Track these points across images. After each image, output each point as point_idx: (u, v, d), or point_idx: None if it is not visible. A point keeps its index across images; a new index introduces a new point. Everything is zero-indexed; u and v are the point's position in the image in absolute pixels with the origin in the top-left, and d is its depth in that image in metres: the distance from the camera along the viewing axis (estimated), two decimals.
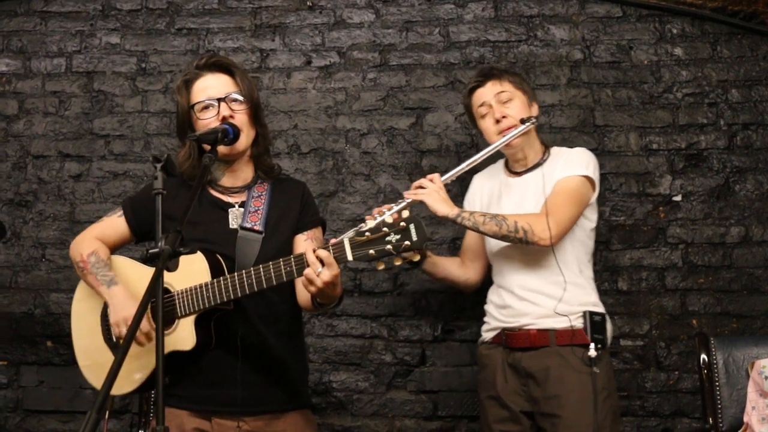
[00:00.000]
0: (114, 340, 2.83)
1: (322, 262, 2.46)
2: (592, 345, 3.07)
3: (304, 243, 2.82)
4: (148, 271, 2.73)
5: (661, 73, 4.12)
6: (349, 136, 4.17)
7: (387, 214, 3.16)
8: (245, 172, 2.91)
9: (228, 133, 2.68)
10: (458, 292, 3.95)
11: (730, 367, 3.48)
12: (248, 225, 2.78)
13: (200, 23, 4.33)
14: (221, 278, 2.59)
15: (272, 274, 2.53)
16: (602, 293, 3.88)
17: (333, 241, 2.50)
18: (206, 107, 2.81)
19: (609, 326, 3.23)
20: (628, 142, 4.05)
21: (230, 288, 2.57)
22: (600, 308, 3.24)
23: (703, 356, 3.51)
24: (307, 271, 2.47)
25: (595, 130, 4.08)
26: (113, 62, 4.33)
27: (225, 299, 2.58)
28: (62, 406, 4.04)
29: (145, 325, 2.67)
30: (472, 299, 3.95)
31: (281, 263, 2.52)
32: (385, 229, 2.40)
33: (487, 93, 3.35)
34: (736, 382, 3.45)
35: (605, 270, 3.96)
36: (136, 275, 2.81)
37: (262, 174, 2.92)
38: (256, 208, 2.82)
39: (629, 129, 4.07)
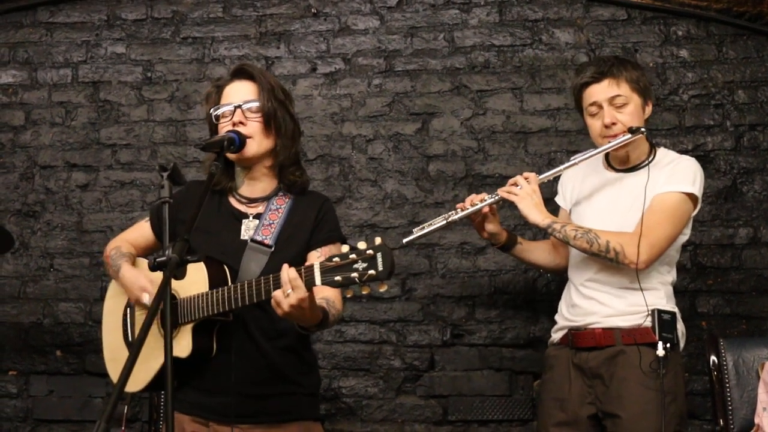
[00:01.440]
0: (130, 338, 2.86)
1: None
2: (660, 344, 2.94)
3: (316, 260, 2.78)
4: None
5: (666, 75, 4.11)
6: (355, 142, 4.17)
7: (479, 205, 3.18)
8: (265, 183, 2.88)
9: (234, 140, 2.68)
10: (467, 296, 3.96)
11: (740, 368, 3.46)
12: (259, 238, 2.75)
13: (205, 32, 4.34)
14: (218, 289, 2.59)
15: (254, 291, 2.50)
16: None
17: (306, 264, 2.46)
18: (225, 114, 2.83)
19: (680, 326, 3.11)
20: None
21: (221, 300, 2.56)
22: (671, 307, 3.11)
23: (713, 358, 3.50)
24: (276, 292, 2.40)
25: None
26: (119, 72, 4.35)
27: (217, 311, 2.57)
28: (72, 415, 4.05)
29: (145, 282, 2.72)
30: (481, 304, 3.96)
31: (261, 281, 2.49)
32: (353, 256, 2.32)
33: (601, 93, 3.14)
34: (746, 383, 3.43)
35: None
36: (156, 275, 2.81)
37: (284, 187, 2.89)
38: (271, 221, 2.80)
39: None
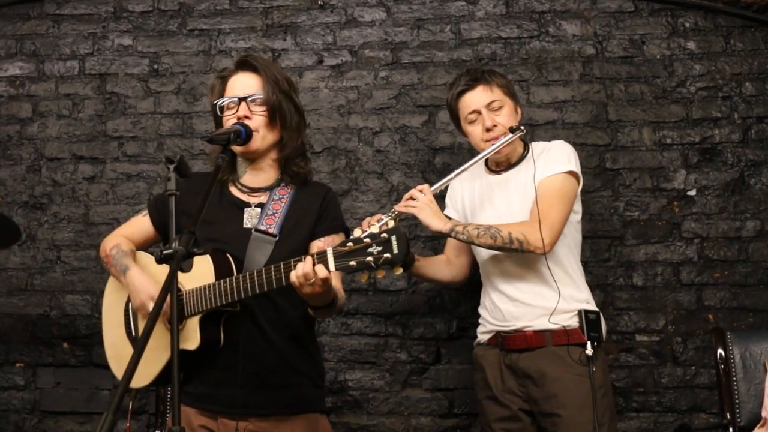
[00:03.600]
0: (133, 333, 2.86)
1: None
2: (589, 344, 3.07)
3: (320, 248, 2.78)
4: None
5: (674, 68, 4.10)
6: (361, 134, 4.17)
7: (376, 226, 3.17)
8: (268, 173, 2.89)
9: (240, 133, 2.68)
10: (473, 290, 3.94)
11: (747, 361, 3.46)
12: (263, 227, 2.76)
13: (212, 24, 4.34)
14: (225, 280, 2.59)
15: (264, 279, 2.51)
16: (617, 289, 3.91)
17: (318, 249, 2.47)
18: (229, 106, 2.83)
19: (603, 323, 3.23)
20: (642, 137, 4.04)
21: (229, 290, 2.56)
22: (593, 305, 3.24)
23: (720, 351, 3.50)
24: (296, 272, 2.42)
25: (609, 126, 4.07)
26: (126, 64, 4.35)
27: (225, 301, 2.58)
28: (79, 407, 4.06)
29: (150, 288, 2.71)
30: None
31: (272, 269, 2.50)
32: (367, 240, 2.34)
33: (477, 100, 3.30)
34: (753, 376, 3.43)
35: (620, 265, 3.95)
36: (159, 270, 2.81)
37: (287, 177, 2.89)
38: (275, 211, 2.80)
39: (642, 124, 4.06)
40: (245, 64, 2.87)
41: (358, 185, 4.12)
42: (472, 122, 3.34)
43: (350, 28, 4.28)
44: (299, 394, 2.78)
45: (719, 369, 3.49)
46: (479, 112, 3.30)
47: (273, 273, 2.49)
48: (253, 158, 2.86)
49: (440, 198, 3.42)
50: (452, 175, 3.30)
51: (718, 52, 4.10)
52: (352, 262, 2.35)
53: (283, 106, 2.82)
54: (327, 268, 2.39)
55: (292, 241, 2.77)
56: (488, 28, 4.21)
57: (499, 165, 3.41)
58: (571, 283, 3.23)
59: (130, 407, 3.72)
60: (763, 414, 3.23)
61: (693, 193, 3.99)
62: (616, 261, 3.94)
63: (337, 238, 2.84)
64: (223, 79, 2.90)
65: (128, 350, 2.85)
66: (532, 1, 4.21)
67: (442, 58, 4.20)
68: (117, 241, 2.93)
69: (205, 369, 2.73)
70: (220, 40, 4.32)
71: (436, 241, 4.01)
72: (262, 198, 2.85)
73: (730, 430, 3.38)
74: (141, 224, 2.98)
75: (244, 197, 2.86)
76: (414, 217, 3.23)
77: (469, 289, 3.95)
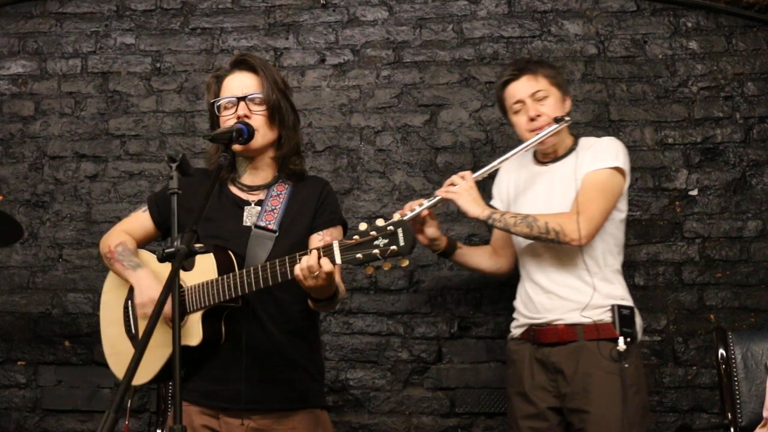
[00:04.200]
0: (133, 331, 2.86)
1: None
2: (621, 339, 3.03)
3: (319, 243, 2.78)
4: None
5: (676, 67, 4.10)
6: (363, 133, 4.17)
7: (418, 209, 3.22)
8: (266, 171, 2.90)
9: (242, 132, 2.69)
10: (474, 289, 3.96)
11: (749, 361, 3.46)
12: (263, 224, 2.77)
13: (214, 23, 4.34)
14: (226, 276, 2.60)
15: (268, 274, 2.52)
16: None
17: (317, 243, 2.48)
18: (226, 105, 2.83)
19: (638, 320, 3.20)
20: (644, 137, 4.04)
21: (232, 286, 2.58)
22: (628, 301, 3.21)
23: (721, 351, 3.50)
24: (300, 266, 2.44)
25: (610, 125, 4.07)
26: (128, 62, 4.35)
27: (227, 297, 2.59)
28: (80, 406, 4.07)
29: (152, 291, 2.71)
30: (488, 296, 3.96)
31: (276, 263, 2.51)
32: (373, 232, 2.36)
33: (522, 89, 3.30)
34: (754, 376, 3.43)
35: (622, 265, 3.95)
36: (160, 268, 2.82)
37: (284, 175, 2.91)
38: (273, 207, 2.81)
39: (644, 123, 4.06)
40: (242, 63, 2.88)
41: (359, 184, 4.12)
42: (516, 112, 3.33)
43: (352, 27, 4.28)
44: (300, 388, 2.79)
45: (720, 369, 3.49)
46: (523, 102, 3.29)
47: (278, 267, 2.51)
48: (252, 157, 2.87)
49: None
50: (495, 163, 3.34)
51: (720, 52, 4.10)
52: (359, 255, 2.37)
53: (281, 105, 2.84)
54: (333, 261, 2.41)
55: (292, 236, 2.79)
56: (490, 28, 4.21)
57: (545, 156, 3.39)
58: (607, 280, 3.20)
59: (128, 405, 3.72)
60: (765, 414, 3.22)
61: (695, 192, 3.99)
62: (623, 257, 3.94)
63: (335, 232, 2.87)
64: (219, 79, 2.91)
65: (127, 348, 2.86)
66: (534, 1, 4.21)
67: (444, 58, 4.20)
68: (121, 239, 2.93)
69: (207, 365, 2.73)
70: (223, 38, 4.33)
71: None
72: (261, 195, 2.87)
73: (732, 430, 3.38)
74: (141, 220, 2.98)
75: (243, 195, 2.88)
76: (453, 203, 3.25)
77: (470, 288, 3.96)
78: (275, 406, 2.73)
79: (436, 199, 3.23)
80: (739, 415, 3.39)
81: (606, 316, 3.13)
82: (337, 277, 2.71)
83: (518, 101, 3.31)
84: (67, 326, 4.13)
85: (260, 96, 2.81)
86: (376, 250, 2.35)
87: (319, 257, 2.42)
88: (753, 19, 4.09)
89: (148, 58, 4.35)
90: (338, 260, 2.40)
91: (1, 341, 4.14)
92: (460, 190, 3.21)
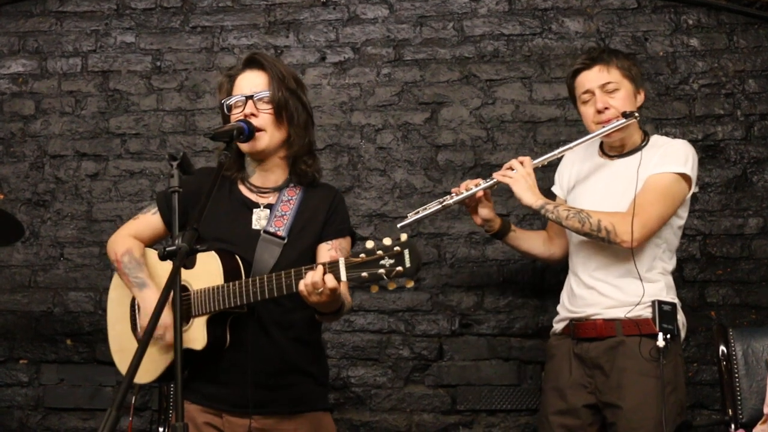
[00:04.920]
0: (139, 329, 2.86)
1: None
2: (660, 335, 2.97)
3: (327, 253, 2.78)
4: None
5: (676, 64, 4.10)
6: (364, 131, 4.17)
7: (474, 189, 3.21)
8: (276, 174, 2.87)
9: (243, 130, 2.67)
10: (476, 286, 3.96)
11: (750, 358, 3.46)
12: (272, 230, 2.75)
13: (214, 21, 4.34)
14: (233, 282, 2.60)
15: (274, 285, 2.52)
16: None
17: (329, 259, 2.47)
18: (236, 104, 2.82)
19: (681, 317, 3.13)
20: None
21: (237, 294, 2.58)
22: (671, 298, 3.13)
23: (722, 348, 3.49)
24: (304, 281, 2.45)
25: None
26: (128, 61, 4.35)
27: (233, 304, 2.59)
28: (82, 404, 4.08)
29: (166, 318, 2.68)
30: (490, 293, 3.96)
31: (282, 276, 2.51)
32: (379, 252, 2.35)
33: (592, 80, 3.21)
34: (755, 373, 3.43)
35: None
36: (164, 266, 2.81)
37: (295, 177, 2.88)
38: (284, 213, 2.79)
39: (645, 121, 4.04)
40: (252, 61, 2.86)
41: (360, 182, 4.12)
42: (585, 102, 3.26)
43: (353, 25, 4.28)
44: (303, 392, 2.79)
45: (721, 366, 3.48)
46: (593, 93, 3.21)
47: (283, 279, 2.51)
48: (261, 158, 2.85)
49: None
50: (556, 151, 3.30)
51: (721, 49, 4.10)
52: (364, 274, 2.36)
53: (289, 104, 2.80)
54: (338, 278, 2.40)
55: (300, 244, 2.77)
56: (491, 25, 4.21)
57: (612, 150, 3.30)
58: (654, 282, 3.12)
59: (132, 403, 3.73)
60: (765, 410, 3.23)
61: (695, 190, 3.97)
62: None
63: (344, 242, 2.85)
64: (231, 78, 2.88)
65: (132, 345, 2.86)
66: None
67: (444, 55, 4.20)
68: (127, 246, 2.88)
69: (210, 368, 2.73)
70: (223, 37, 4.33)
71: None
72: (271, 199, 2.84)
73: (732, 426, 3.38)
74: (149, 222, 2.95)
75: (253, 197, 2.85)
76: (509, 188, 3.21)
77: (471, 286, 3.96)
78: (278, 409, 2.74)
79: (492, 181, 3.21)
80: (740, 412, 3.39)
81: (646, 312, 3.07)
82: (344, 289, 2.70)
83: (587, 91, 3.24)
84: (69, 325, 4.13)
85: (267, 94, 2.79)
86: (381, 270, 2.34)
87: (324, 273, 2.41)
88: (754, 16, 4.08)
89: (148, 57, 4.35)
90: (343, 278, 2.39)
91: (4, 340, 4.15)
92: (517, 175, 3.17)
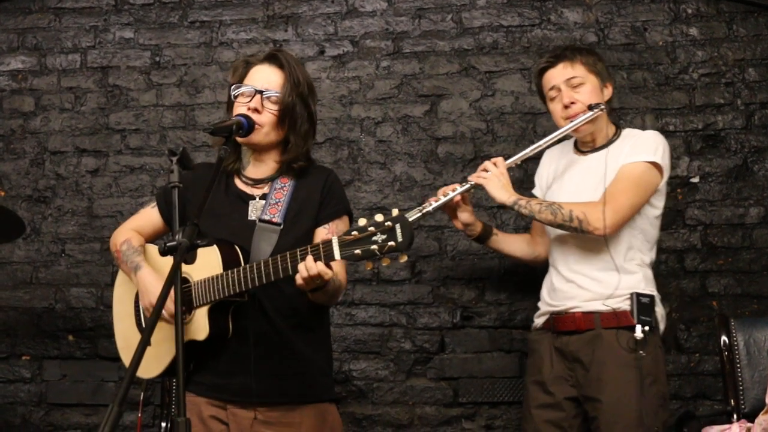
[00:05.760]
0: (143, 325, 2.88)
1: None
2: (638, 327, 2.99)
3: (325, 237, 2.77)
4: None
5: (676, 54, 4.09)
6: (363, 124, 4.17)
7: (451, 194, 3.24)
8: (270, 166, 2.89)
9: (242, 125, 2.68)
10: (477, 279, 3.97)
11: (752, 348, 3.46)
12: (267, 217, 2.76)
13: (213, 16, 4.34)
14: (231, 270, 2.60)
15: (270, 269, 2.53)
16: None
17: (323, 238, 2.48)
18: (243, 93, 2.81)
19: (659, 309, 3.16)
20: (645, 124, 4.02)
21: (236, 281, 2.58)
22: (649, 291, 3.15)
23: (724, 338, 3.49)
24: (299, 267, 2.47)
25: (611, 113, 4.05)
26: (127, 57, 4.35)
27: (233, 291, 2.59)
28: (85, 399, 4.08)
29: (170, 307, 2.68)
30: (491, 286, 3.97)
31: (278, 259, 2.52)
32: (371, 228, 2.35)
33: (557, 76, 3.27)
34: (757, 363, 3.43)
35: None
36: (165, 261, 2.82)
37: (287, 169, 2.88)
38: (277, 200, 2.80)
39: (645, 111, 4.05)
40: (273, 58, 2.86)
41: (360, 175, 4.12)
42: (552, 99, 3.31)
43: (351, 19, 4.27)
44: (308, 383, 2.79)
45: (723, 356, 3.48)
46: (559, 89, 3.27)
47: (279, 263, 2.51)
48: (255, 150, 2.86)
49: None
50: (527, 150, 3.33)
51: (721, 38, 4.09)
52: (357, 251, 2.37)
53: (295, 110, 2.80)
54: (332, 257, 2.41)
55: (297, 229, 2.78)
56: (489, 17, 4.20)
57: (584, 145, 3.36)
58: (631, 273, 3.15)
59: (141, 398, 3.73)
60: (767, 400, 3.24)
61: (696, 180, 3.98)
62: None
63: (340, 224, 2.86)
64: (248, 65, 2.88)
65: (138, 341, 2.87)
66: None
67: (443, 48, 4.19)
68: (127, 236, 2.93)
69: (215, 359, 2.74)
70: (222, 31, 4.32)
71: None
72: (266, 189, 2.85)
73: (735, 416, 3.38)
74: (150, 216, 2.98)
75: (248, 190, 2.86)
76: (483, 188, 3.24)
77: (472, 278, 3.96)
78: (283, 399, 2.73)
79: (468, 185, 3.24)
80: (742, 402, 3.39)
81: (625, 304, 3.10)
82: (339, 268, 2.73)
83: (553, 87, 3.29)
84: (71, 321, 4.14)
85: (277, 95, 2.78)
86: (374, 246, 2.34)
87: (320, 252, 2.43)
88: (753, 4, 4.07)
89: (147, 52, 4.35)
90: (337, 256, 2.40)
91: (6, 336, 4.16)
92: (490, 175, 3.21)
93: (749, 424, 3.02)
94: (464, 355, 3.96)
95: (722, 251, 3.93)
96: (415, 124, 4.14)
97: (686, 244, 3.94)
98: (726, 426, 3.20)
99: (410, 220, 2.39)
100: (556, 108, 3.30)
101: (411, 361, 3.97)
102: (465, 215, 3.38)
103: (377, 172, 4.12)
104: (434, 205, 3.23)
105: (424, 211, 3.20)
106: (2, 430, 4.07)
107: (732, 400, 3.41)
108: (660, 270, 3.91)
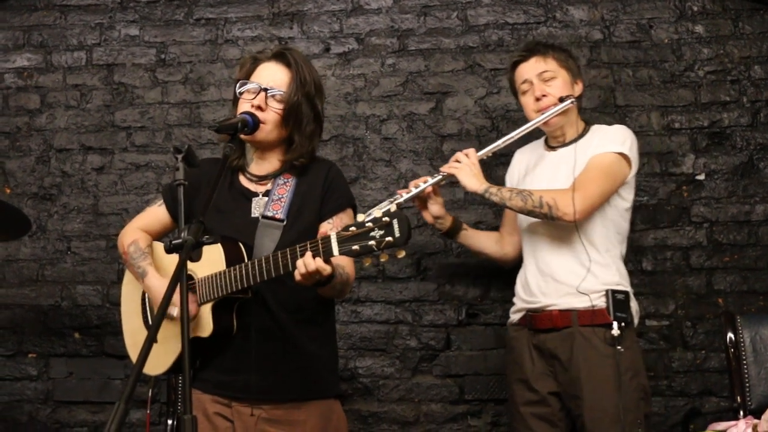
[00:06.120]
0: (150, 323, 2.88)
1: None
2: (615, 324, 3.04)
3: (324, 232, 2.78)
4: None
5: (682, 51, 4.08)
6: (369, 122, 4.17)
7: (422, 186, 3.28)
8: (273, 164, 2.89)
9: (247, 123, 2.68)
10: (482, 276, 3.96)
11: (758, 345, 3.46)
12: (270, 213, 2.76)
13: (218, 13, 4.34)
14: (234, 267, 2.61)
15: (272, 265, 2.53)
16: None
17: (323, 235, 2.48)
18: (249, 90, 2.82)
19: (634, 304, 3.20)
20: (650, 122, 4.02)
21: (238, 277, 2.58)
22: (624, 287, 3.19)
23: (730, 335, 3.50)
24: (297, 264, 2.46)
25: (617, 111, 4.06)
26: (133, 54, 4.35)
27: (236, 288, 2.59)
28: (92, 397, 4.09)
29: (177, 299, 2.69)
30: (496, 283, 3.96)
31: (279, 255, 2.52)
32: (369, 224, 2.35)
33: (530, 70, 3.33)
34: (763, 360, 3.43)
35: (629, 250, 3.91)
36: (171, 259, 2.82)
37: (290, 166, 2.88)
38: (280, 196, 2.80)
39: (651, 108, 4.04)
40: (281, 56, 2.85)
41: (366, 173, 4.12)
42: (524, 93, 3.37)
43: (357, 16, 4.27)
44: (313, 378, 2.78)
45: (729, 353, 3.49)
46: (531, 83, 3.33)
47: (280, 259, 2.51)
48: (258, 147, 2.87)
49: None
50: (499, 142, 3.38)
51: (727, 36, 4.08)
52: (355, 247, 2.37)
53: (300, 110, 2.80)
54: (331, 253, 2.41)
55: (300, 225, 2.77)
56: (495, 14, 4.20)
57: (555, 140, 3.40)
58: (605, 266, 3.19)
59: (149, 395, 3.73)
60: None
61: (702, 177, 3.98)
62: (626, 246, 3.94)
63: (345, 217, 2.85)
64: (256, 61, 2.88)
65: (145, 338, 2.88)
66: None
67: (449, 45, 4.19)
68: (134, 237, 2.92)
69: (219, 356, 2.74)
70: (227, 29, 4.32)
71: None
72: (269, 185, 2.86)
73: (741, 413, 3.38)
74: (156, 214, 2.99)
75: (251, 187, 2.87)
76: (455, 178, 3.29)
77: (478, 275, 3.96)
78: (286, 396, 2.73)
79: (440, 176, 3.29)
80: (749, 399, 3.40)
81: (600, 302, 3.12)
82: (347, 262, 2.73)
83: (525, 81, 3.34)
84: (77, 318, 4.15)
85: (282, 94, 2.78)
86: (372, 242, 2.34)
87: (318, 249, 2.43)
88: (759, 1, 4.06)
89: (152, 50, 4.35)
90: (335, 252, 2.40)
91: (12, 334, 4.17)
92: (462, 165, 3.26)
93: (755, 421, 3.02)
94: (470, 352, 3.96)
95: (728, 248, 3.93)
96: (420, 121, 4.14)
97: (692, 242, 3.94)
98: (732, 422, 3.20)
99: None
100: (528, 101, 3.36)
101: (417, 358, 3.97)
102: (435, 207, 3.41)
103: (382, 169, 4.12)
104: (405, 196, 3.29)
105: (396, 202, 3.23)
106: (9, 427, 4.08)
107: (738, 397, 3.42)
108: (665, 267, 3.92)
